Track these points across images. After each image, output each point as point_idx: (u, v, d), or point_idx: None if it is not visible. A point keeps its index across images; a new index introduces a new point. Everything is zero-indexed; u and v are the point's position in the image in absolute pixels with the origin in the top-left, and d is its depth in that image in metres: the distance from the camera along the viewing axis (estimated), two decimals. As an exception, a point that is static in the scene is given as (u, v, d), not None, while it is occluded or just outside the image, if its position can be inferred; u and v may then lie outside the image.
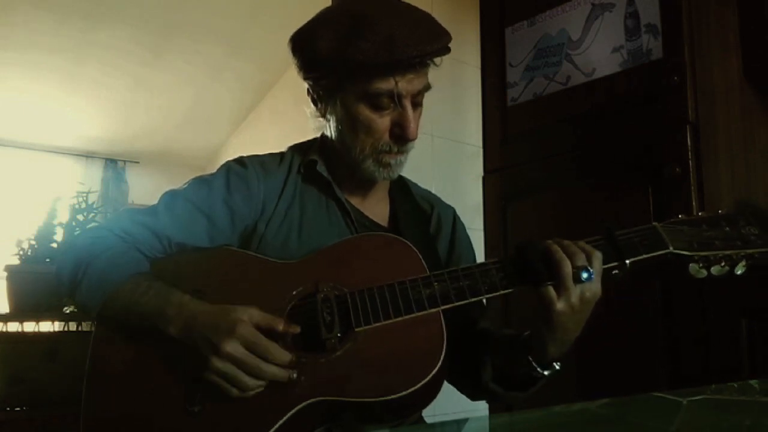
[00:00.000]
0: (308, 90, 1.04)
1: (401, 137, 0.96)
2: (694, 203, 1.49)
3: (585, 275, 0.81)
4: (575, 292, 0.82)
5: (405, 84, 0.93)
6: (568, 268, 0.82)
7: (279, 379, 0.79)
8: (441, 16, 0.99)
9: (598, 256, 0.84)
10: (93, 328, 0.92)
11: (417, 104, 0.98)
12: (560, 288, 0.82)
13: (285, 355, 0.80)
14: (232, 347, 0.77)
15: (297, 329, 0.83)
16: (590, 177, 1.76)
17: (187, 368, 0.83)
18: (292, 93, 4.09)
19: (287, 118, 4.04)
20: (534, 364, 0.89)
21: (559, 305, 0.82)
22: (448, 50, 0.95)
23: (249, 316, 0.80)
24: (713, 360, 1.41)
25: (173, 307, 0.83)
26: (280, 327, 0.82)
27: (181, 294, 0.85)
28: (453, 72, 2.12)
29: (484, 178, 2.12)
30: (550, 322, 0.84)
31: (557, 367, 0.91)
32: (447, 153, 2.07)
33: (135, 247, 0.93)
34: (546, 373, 0.91)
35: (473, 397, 1.08)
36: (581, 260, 0.82)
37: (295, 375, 0.80)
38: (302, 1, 1.34)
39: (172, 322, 0.82)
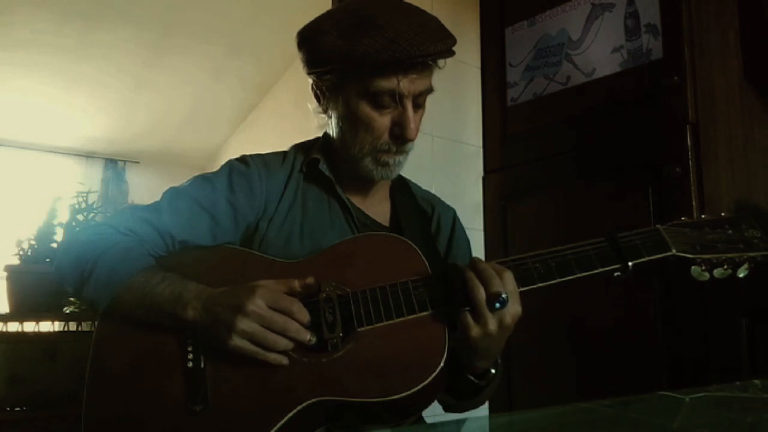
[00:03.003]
0: (312, 85, 1.04)
1: (400, 137, 0.97)
2: (694, 203, 1.49)
3: (498, 305, 0.80)
4: (492, 319, 0.81)
5: (407, 84, 0.93)
6: (481, 294, 0.80)
7: (301, 338, 0.81)
8: (441, 16, 0.99)
9: (509, 277, 0.83)
10: (94, 328, 0.92)
11: (418, 105, 0.99)
12: (476, 315, 0.81)
13: (305, 313, 0.82)
14: (256, 305, 0.79)
15: (312, 280, 0.85)
16: (590, 177, 1.76)
17: (203, 353, 0.84)
18: (292, 93, 4.09)
19: (287, 118, 4.03)
20: (470, 376, 0.91)
21: (475, 331, 0.81)
22: (451, 53, 0.95)
23: (266, 282, 0.83)
24: (713, 360, 1.41)
25: (191, 292, 0.85)
26: (297, 284, 0.84)
27: (197, 284, 0.87)
28: (453, 72, 2.12)
29: (484, 178, 2.12)
30: (468, 346, 0.84)
31: (493, 372, 0.93)
32: (447, 153, 2.07)
33: (140, 243, 0.94)
34: (481, 382, 0.92)
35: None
36: (496, 285, 0.80)
37: (314, 339, 0.82)
38: (303, 1, 1.34)
39: (190, 306, 0.83)
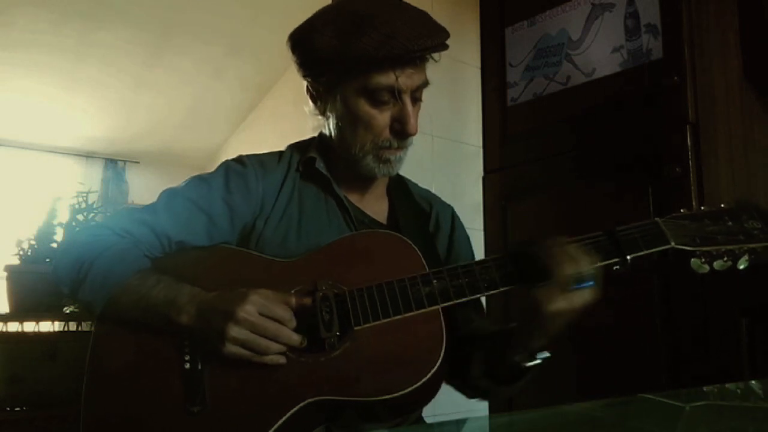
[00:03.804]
0: (307, 87, 1.05)
1: (401, 132, 0.97)
2: (694, 203, 1.49)
3: (582, 284, 0.81)
4: (574, 295, 0.82)
5: (405, 79, 0.94)
6: (567, 270, 0.81)
7: (293, 342, 0.81)
8: (441, 16, 1.00)
9: (592, 261, 0.83)
10: (93, 328, 0.92)
11: (416, 99, 0.99)
12: (558, 290, 0.82)
13: (295, 320, 0.82)
14: (247, 311, 0.80)
15: (308, 301, 0.85)
16: (590, 177, 1.76)
17: (200, 354, 0.84)
18: (292, 93, 4.09)
19: (287, 119, 4.03)
20: (520, 356, 0.90)
21: (555, 305, 0.82)
22: (446, 46, 0.96)
23: (259, 291, 0.83)
24: (713, 360, 1.41)
25: (185, 296, 0.85)
26: (293, 301, 0.84)
27: (191, 286, 0.87)
28: (453, 72, 2.12)
29: (484, 178, 2.12)
30: (542, 320, 0.84)
31: (545, 356, 0.92)
32: (447, 153, 2.07)
33: (135, 245, 0.93)
34: (532, 364, 0.91)
35: (465, 394, 1.08)
36: (583, 264, 0.82)
37: (306, 341, 0.82)
38: (303, 1, 1.34)
39: (184, 310, 0.83)
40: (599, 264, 0.84)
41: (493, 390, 0.99)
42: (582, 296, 0.83)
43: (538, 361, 0.91)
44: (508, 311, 1.87)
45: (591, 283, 0.81)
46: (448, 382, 1.06)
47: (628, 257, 0.86)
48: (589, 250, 0.85)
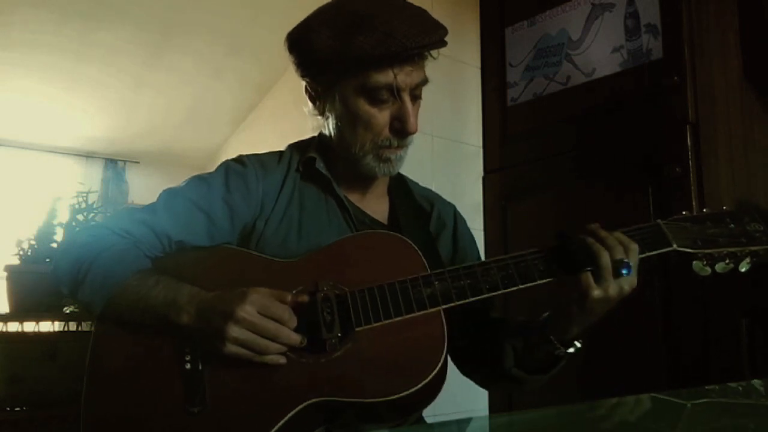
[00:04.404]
0: (306, 87, 1.04)
1: (401, 131, 0.97)
2: (694, 203, 1.49)
3: (624, 271, 0.83)
4: (614, 284, 0.84)
5: (404, 77, 0.93)
6: (606, 259, 0.83)
7: (292, 341, 0.81)
8: (441, 15, 1.00)
9: (635, 249, 0.85)
10: (93, 328, 0.92)
11: (416, 97, 0.99)
12: (599, 278, 0.84)
13: (296, 320, 0.83)
14: (246, 311, 0.79)
15: (305, 298, 0.85)
16: (590, 177, 1.76)
17: (200, 354, 0.84)
18: (292, 93, 4.07)
19: (287, 118, 4.03)
20: (556, 343, 0.91)
21: (596, 293, 0.84)
22: (444, 43, 0.95)
23: (259, 290, 0.83)
24: (713, 360, 1.41)
25: (185, 296, 0.85)
26: (288, 298, 0.84)
27: (191, 287, 0.87)
28: (453, 72, 2.12)
29: (484, 178, 2.12)
30: (583, 307, 0.85)
31: (578, 345, 0.92)
32: (447, 153, 2.07)
33: (135, 245, 0.93)
34: (568, 351, 0.92)
35: (491, 386, 1.07)
36: (620, 253, 0.84)
37: (306, 341, 0.82)
38: (303, 1, 1.34)
39: (184, 310, 0.83)
40: (630, 250, 0.85)
41: (526, 379, 1.00)
42: (624, 285, 0.84)
43: (576, 347, 0.92)
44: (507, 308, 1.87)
45: (629, 271, 0.83)
46: (474, 373, 1.07)
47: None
48: (621, 237, 0.86)
